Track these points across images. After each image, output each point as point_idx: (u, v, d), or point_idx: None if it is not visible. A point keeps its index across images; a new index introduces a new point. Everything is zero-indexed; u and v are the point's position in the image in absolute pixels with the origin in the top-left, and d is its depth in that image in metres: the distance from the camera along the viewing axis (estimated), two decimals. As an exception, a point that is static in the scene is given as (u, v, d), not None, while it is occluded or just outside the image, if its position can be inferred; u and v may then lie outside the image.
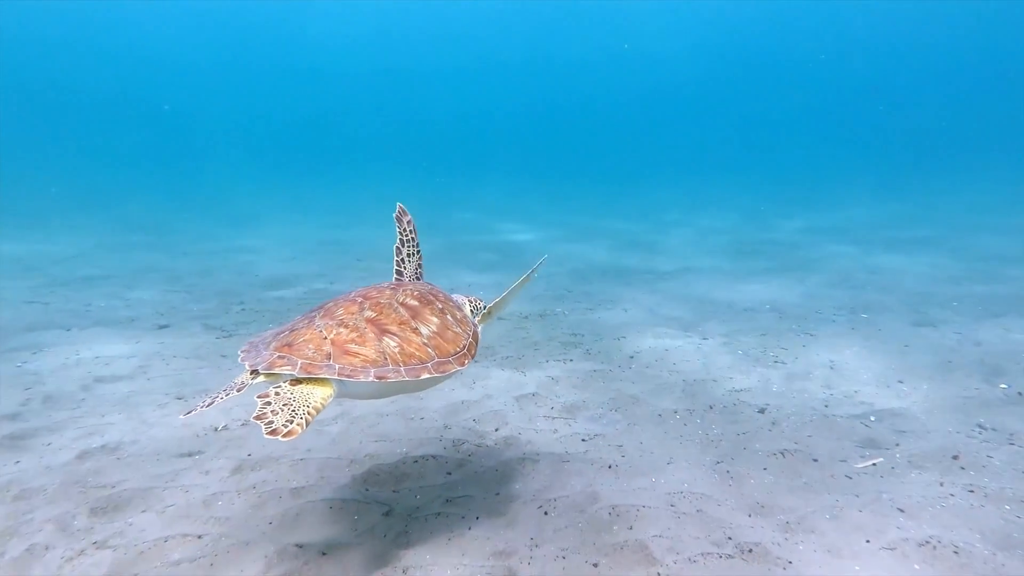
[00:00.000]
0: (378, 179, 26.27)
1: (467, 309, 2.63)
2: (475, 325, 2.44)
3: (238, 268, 8.33)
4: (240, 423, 3.29)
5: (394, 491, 2.61)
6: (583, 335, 5.26)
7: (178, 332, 5.20)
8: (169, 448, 3.01)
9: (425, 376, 1.98)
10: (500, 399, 3.72)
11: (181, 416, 1.85)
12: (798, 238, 10.95)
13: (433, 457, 2.91)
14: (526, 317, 5.76)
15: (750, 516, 2.46)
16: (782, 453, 2.98)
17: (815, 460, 2.92)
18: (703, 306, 6.29)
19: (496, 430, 3.30)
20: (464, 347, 2.19)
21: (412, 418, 3.37)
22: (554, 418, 3.46)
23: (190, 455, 2.94)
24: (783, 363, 4.44)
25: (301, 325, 2.06)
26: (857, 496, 2.61)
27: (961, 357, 4.41)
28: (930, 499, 2.55)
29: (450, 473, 2.78)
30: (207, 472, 2.76)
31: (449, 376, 2.08)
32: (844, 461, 2.95)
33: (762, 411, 3.57)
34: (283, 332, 2.05)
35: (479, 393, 3.80)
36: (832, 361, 4.43)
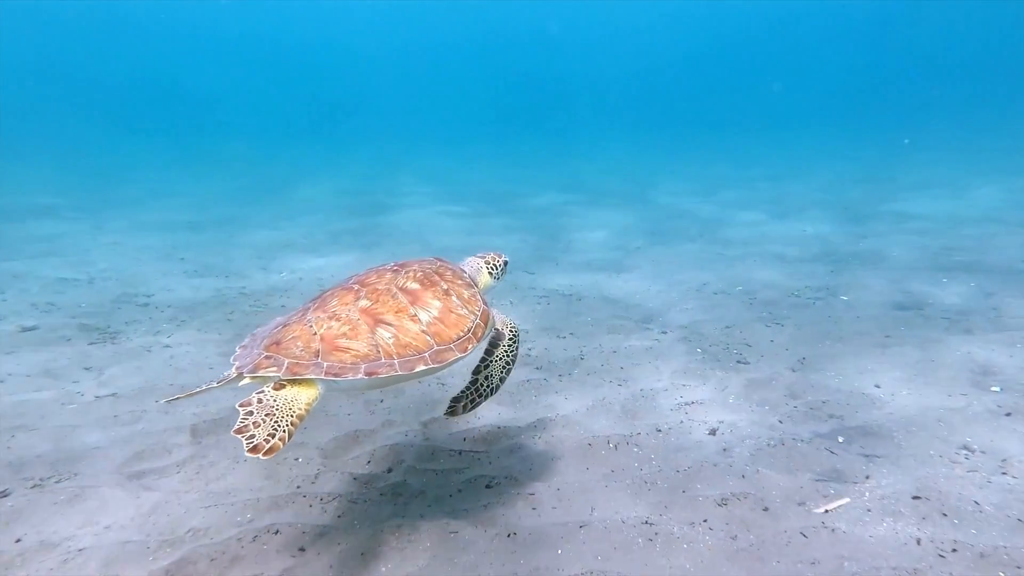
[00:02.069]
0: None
1: (483, 274, 2.53)
2: (485, 303, 2.26)
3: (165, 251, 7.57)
4: (31, 485, 2.53)
5: (217, 586, 2.02)
6: (528, 331, 4.66)
7: (44, 336, 4.46)
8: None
9: (421, 368, 1.88)
10: (403, 426, 3.13)
11: (163, 401, 1.97)
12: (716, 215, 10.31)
13: (284, 528, 2.27)
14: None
15: (676, 603, 1.92)
16: (726, 500, 2.43)
17: (766, 509, 2.38)
18: (672, 289, 5.69)
19: (388, 471, 2.72)
20: (468, 330, 2.06)
21: (280, 462, 2.75)
22: (463, 451, 2.88)
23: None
24: (746, 364, 3.87)
25: (294, 319, 1.99)
26: (813, 563, 2.07)
27: (948, 351, 3.87)
28: (904, 569, 2.01)
29: (303, 549, 2.17)
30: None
31: (452, 363, 1.98)
32: (802, 504, 2.41)
33: (713, 432, 3.02)
34: (277, 327, 2.00)
35: (380, 419, 3.20)
36: (802, 359, 3.87)
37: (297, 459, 2.78)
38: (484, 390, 2.30)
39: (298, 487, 2.53)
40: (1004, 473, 2.54)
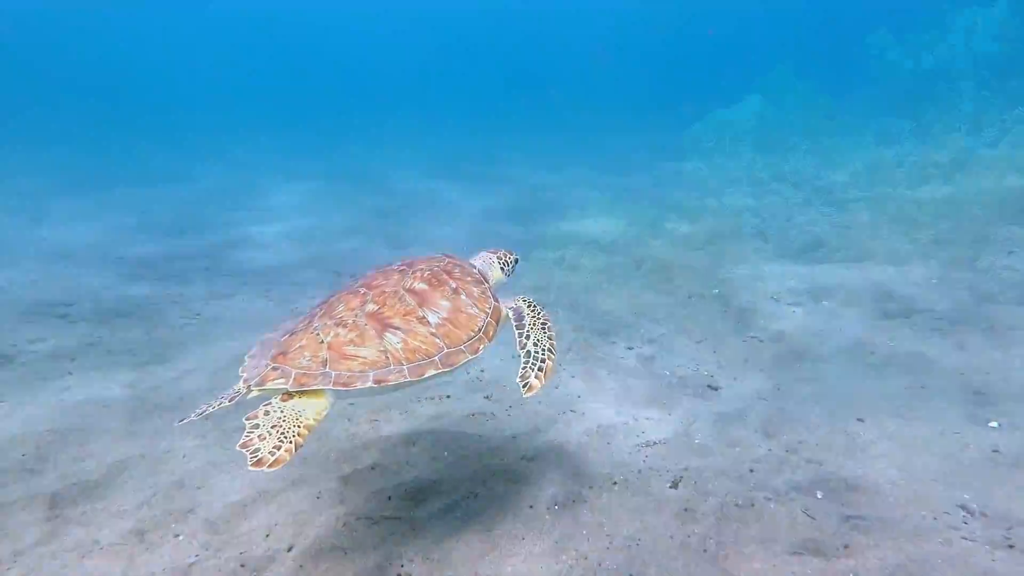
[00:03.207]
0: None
1: (495, 269, 2.50)
2: (496, 299, 2.24)
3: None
4: None
5: None
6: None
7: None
8: None
9: (431, 372, 1.87)
10: (317, 484, 2.66)
11: (176, 424, 1.97)
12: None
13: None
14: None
15: None
16: (683, 591, 2.03)
17: (729, 603, 1.98)
18: (642, 294, 5.26)
19: (288, 550, 2.28)
20: (479, 330, 2.05)
21: (152, 546, 2.25)
22: (382, 519, 2.44)
23: None
24: (717, 390, 3.47)
25: (300, 327, 1.97)
26: None
27: (938, 375, 3.49)
28: None
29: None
30: None
31: (463, 365, 1.95)
32: (773, 591, 2.02)
33: (675, 485, 2.62)
34: (284, 334, 1.97)
35: (291, 473, 2.73)
36: (778, 386, 3.47)
37: (178, 536, 2.32)
38: (542, 354, 2.13)
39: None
40: (1011, 546, 2.16)
